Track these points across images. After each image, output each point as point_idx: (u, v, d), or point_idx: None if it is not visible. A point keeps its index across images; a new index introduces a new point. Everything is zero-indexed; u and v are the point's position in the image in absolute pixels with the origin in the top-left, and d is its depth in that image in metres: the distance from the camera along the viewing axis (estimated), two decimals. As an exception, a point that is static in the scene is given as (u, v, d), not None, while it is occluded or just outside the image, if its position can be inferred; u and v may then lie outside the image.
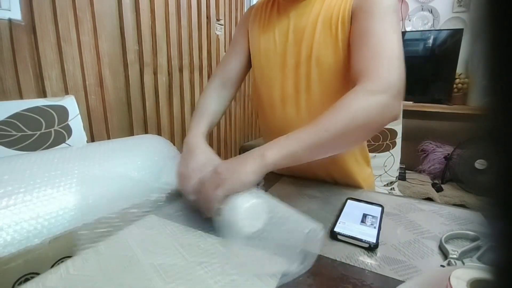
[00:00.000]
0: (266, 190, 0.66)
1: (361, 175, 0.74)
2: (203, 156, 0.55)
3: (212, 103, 0.72)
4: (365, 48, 0.52)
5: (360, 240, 0.46)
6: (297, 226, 0.42)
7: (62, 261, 0.43)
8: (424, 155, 2.23)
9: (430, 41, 2.08)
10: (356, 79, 0.51)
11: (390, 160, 1.71)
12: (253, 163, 0.45)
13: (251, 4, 2.38)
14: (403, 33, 2.14)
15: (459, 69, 2.05)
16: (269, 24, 0.69)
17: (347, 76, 0.60)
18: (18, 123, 0.80)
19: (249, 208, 0.43)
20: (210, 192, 0.44)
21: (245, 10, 2.13)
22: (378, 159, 1.71)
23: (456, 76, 2.08)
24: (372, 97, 0.47)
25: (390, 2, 0.53)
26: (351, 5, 0.57)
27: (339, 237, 0.47)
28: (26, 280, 0.40)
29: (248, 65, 0.78)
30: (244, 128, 2.29)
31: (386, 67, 0.49)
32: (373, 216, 0.53)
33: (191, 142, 0.60)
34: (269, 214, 0.44)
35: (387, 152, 1.70)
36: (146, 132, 1.36)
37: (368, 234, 0.47)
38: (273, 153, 0.45)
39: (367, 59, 0.51)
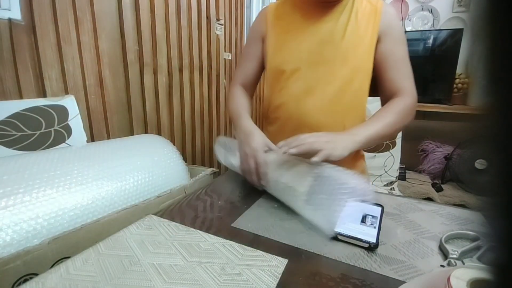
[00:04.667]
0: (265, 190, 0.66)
1: (358, 171, 0.80)
2: (261, 138, 0.66)
3: (242, 99, 0.83)
4: (397, 70, 0.71)
5: (360, 240, 0.46)
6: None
7: (61, 262, 0.43)
8: (424, 155, 2.23)
9: (430, 41, 2.08)
10: (393, 93, 0.72)
11: (390, 160, 1.71)
12: (347, 140, 0.59)
13: (251, 4, 2.38)
14: (403, 33, 2.14)
15: (459, 69, 2.05)
16: (289, 25, 0.78)
17: (368, 77, 0.73)
18: (18, 123, 0.80)
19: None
20: (317, 145, 0.55)
21: (245, 10, 2.13)
22: (378, 159, 1.71)
23: (456, 76, 2.08)
24: (411, 108, 0.70)
25: (403, 31, 0.73)
26: (379, 27, 0.71)
27: (339, 237, 0.47)
28: (25, 281, 0.39)
29: (262, 67, 0.86)
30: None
31: (413, 86, 0.71)
32: (373, 216, 0.53)
33: (245, 127, 0.70)
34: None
35: (387, 152, 1.70)
36: (146, 132, 1.36)
37: (368, 234, 0.47)
38: (362, 133, 0.62)
39: (401, 80, 0.71)
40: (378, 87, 0.76)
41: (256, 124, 0.71)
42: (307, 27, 0.75)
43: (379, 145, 1.70)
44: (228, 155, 0.73)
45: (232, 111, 0.80)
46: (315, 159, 0.54)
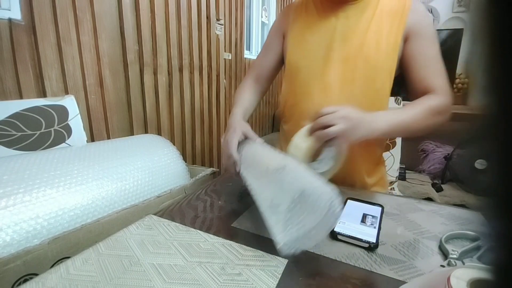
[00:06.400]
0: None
1: (376, 177, 0.78)
2: (238, 128, 0.64)
3: (246, 93, 0.82)
4: (427, 69, 0.68)
5: (360, 240, 0.46)
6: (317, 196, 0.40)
7: (61, 262, 0.43)
8: (424, 155, 2.23)
9: (430, 41, 2.08)
10: (424, 93, 0.67)
11: (390, 160, 1.71)
12: (366, 127, 0.56)
13: (252, 4, 2.38)
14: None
15: (459, 69, 2.05)
16: (310, 20, 0.76)
17: (390, 78, 0.70)
18: (18, 122, 0.80)
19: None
20: (331, 135, 0.52)
21: (245, 10, 2.13)
22: (378, 159, 1.71)
23: (456, 76, 2.09)
24: (444, 107, 0.65)
25: (434, 29, 0.70)
26: (405, 25, 0.68)
27: (339, 237, 0.47)
28: (25, 281, 0.39)
29: (281, 62, 0.85)
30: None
31: (446, 86, 0.67)
32: (373, 216, 0.53)
33: (229, 122, 0.70)
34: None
35: (387, 152, 1.70)
36: (146, 132, 1.36)
37: (368, 234, 0.47)
38: (385, 119, 0.59)
39: (432, 78, 0.67)
40: (408, 89, 0.72)
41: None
42: (327, 24, 0.73)
43: (379, 145, 1.69)
44: None
45: (233, 103, 0.80)
46: (325, 132, 0.52)
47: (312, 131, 0.55)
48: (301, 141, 0.56)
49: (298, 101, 0.76)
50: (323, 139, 0.53)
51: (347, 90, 0.70)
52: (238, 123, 0.65)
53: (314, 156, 0.58)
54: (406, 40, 0.69)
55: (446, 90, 0.67)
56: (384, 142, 0.81)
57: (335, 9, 0.72)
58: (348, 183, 0.75)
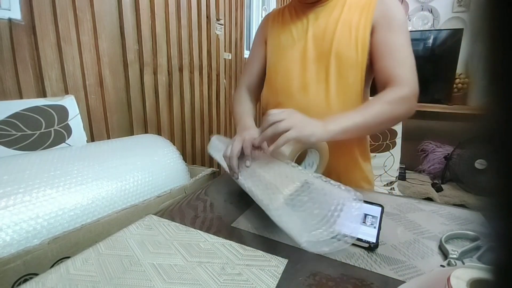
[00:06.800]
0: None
1: (360, 174, 0.80)
2: (256, 133, 0.62)
3: (244, 104, 0.85)
4: (390, 58, 0.66)
5: (360, 240, 0.46)
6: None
7: (61, 262, 0.43)
8: (424, 155, 2.23)
9: (430, 41, 2.08)
10: (386, 83, 0.66)
11: (390, 160, 1.71)
12: (318, 127, 0.55)
13: (252, 4, 2.38)
14: (403, 33, 2.15)
15: (459, 69, 2.05)
16: (286, 25, 0.80)
17: (362, 71, 0.70)
18: (18, 122, 0.80)
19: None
20: (281, 128, 0.52)
21: (245, 10, 2.13)
22: (378, 159, 1.71)
23: (456, 76, 2.08)
24: (402, 97, 0.63)
25: (404, 19, 0.69)
26: (372, 17, 0.68)
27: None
28: (25, 280, 0.39)
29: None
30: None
31: (409, 74, 0.65)
32: (373, 216, 0.53)
33: (245, 123, 0.71)
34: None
35: (387, 152, 1.70)
36: (146, 132, 1.36)
37: (368, 234, 0.47)
38: (337, 123, 0.57)
39: (394, 67, 0.65)
40: (374, 81, 0.72)
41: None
42: (300, 27, 0.77)
43: (379, 145, 1.70)
44: (217, 148, 0.72)
45: (236, 114, 0.82)
46: (280, 141, 0.51)
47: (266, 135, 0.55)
48: (284, 147, 0.57)
49: (280, 102, 0.79)
50: (274, 133, 0.53)
51: (323, 88, 0.72)
52: (257, 130, 0.66)
53: (298, 160, 0.61)
54: (372, 32, 0.68)
55: (408, 79, 0.64)
56: (364, 137, 0.83)
57: (306, 12, 0.76)
58: (342, 172, 0.77)
